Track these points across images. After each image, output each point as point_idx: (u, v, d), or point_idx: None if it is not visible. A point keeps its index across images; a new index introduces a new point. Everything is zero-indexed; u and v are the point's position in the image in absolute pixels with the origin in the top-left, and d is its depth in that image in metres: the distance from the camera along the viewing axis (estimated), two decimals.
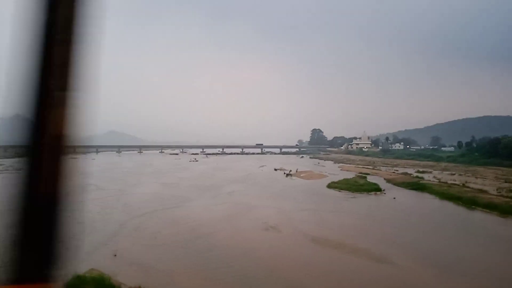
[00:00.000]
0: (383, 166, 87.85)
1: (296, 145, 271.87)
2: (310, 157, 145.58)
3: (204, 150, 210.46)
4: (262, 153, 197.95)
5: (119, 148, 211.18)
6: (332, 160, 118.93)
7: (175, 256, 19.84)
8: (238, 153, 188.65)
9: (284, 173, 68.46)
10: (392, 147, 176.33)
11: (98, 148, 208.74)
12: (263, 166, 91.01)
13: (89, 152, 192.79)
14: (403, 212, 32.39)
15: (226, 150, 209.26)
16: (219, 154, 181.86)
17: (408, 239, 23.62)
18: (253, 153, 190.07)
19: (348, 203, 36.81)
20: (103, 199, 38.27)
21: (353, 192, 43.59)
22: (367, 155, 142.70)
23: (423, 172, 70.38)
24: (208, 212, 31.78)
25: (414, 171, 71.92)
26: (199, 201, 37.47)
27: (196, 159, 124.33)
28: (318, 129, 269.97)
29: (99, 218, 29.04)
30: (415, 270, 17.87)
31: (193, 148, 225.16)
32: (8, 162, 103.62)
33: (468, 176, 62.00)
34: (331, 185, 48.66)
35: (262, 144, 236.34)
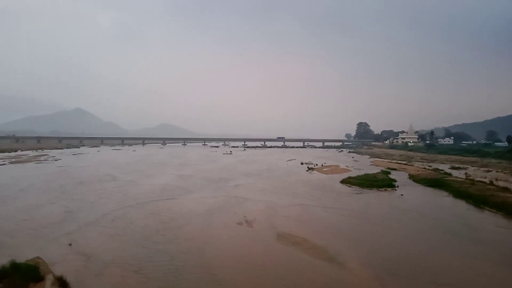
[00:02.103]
0: (419, 162, 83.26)
1: (345, 138, 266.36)
2: (349, 151, 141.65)
3: (245, 143, 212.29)
4: (303, 146, 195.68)
5: (164, 141, 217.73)
6: (369, 155, 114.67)
7: (128, 247, 19.67)
8: (278, 147, 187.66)
9: (308, 167, 66.87)
10: (439, 141, 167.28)
11: (144, 140, 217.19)
12: (292, 159, 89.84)
13: (135, 144, 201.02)
14: (399, 210, 30.18)
15: (268, 143, 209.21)
16: (259, 147, 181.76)
17: (380, 239, 21.81)
18: (293, 147, 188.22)
19: (348, 199, 34.99)
20: (108, 189, 39.24)
21: (363, 188, 41.50)
22: (410, 150, 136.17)
23: (457, 168, 65.88)
24: (198, 205, 31.51)
25: (448, 167, 67.47)
26: (199, 194, 37.38)
27: (231, 152, 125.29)
28: (365, 122, 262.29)
29: (87, 208, 29.73)
30: (359, 272, 16.40)
31: (235, 141, 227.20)
32: (53, 152, 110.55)
33: (506, 173, 57.04)
34: (345, 180, 46.72)
35: (283, 138, 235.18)
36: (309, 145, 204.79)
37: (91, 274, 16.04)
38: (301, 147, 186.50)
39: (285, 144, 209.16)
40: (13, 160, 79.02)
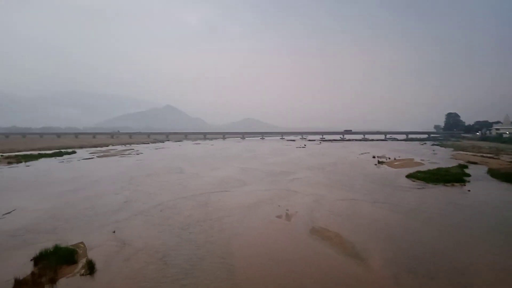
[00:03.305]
0: (509, 155, 75.11)
1: (434, 130, 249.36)
2: (432, 144, 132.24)
3: (323, 136, 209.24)
4: (384, 139, 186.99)
5: (242, 135, 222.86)
6: (453, 148, 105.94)
7: (163, 236, 20.73)
8: (357, 140, 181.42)
9: (378, 161, 64.07)
10: None
11: (225, 135, 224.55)
12: (365, 153, 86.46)
13: (216, 138, 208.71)
14: (455, 206, 27.55)
15: (346, 137, 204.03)
16: (336, 140, 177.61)
17: (416, 237, 20.18)
18: (372, 140, 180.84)
19: (405, 194, 32.83)
20: (171, 181, 41.53)
21: (428, 182, 38.78)
22: (503, 142, 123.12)
23: None
24: (246, 197, 31.96)
25: None
26: (253, 186, 37.86)
27: (305, 145, 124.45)
28: (454, 113, 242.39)
29: (144, 198, 31.82)
30: (377, 269, 15.49)
31: (314, 135, 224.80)
32: (139, 146, 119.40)
33: None
34: (411, 175, 43.88)
35: (350, 130, 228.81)
36: (391, 138, 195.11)
37: (120, 259, 17.26)
38: (382, 140, 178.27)
39: (365, 137, 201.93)
40: (101, 154, 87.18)
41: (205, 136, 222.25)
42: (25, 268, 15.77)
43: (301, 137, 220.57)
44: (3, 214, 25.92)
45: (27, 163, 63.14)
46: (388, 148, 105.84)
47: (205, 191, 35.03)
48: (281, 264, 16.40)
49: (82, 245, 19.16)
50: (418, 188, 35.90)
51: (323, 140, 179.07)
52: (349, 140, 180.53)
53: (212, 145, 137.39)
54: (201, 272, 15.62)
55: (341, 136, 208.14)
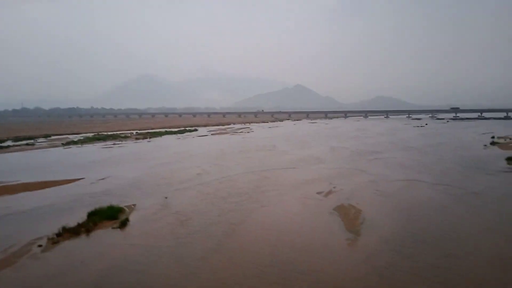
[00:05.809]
0: None
1: None
2: None
3: (457, 115, 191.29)
4: None
5: (366, 114, 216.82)
6: None
7: (201, 204, 23.00)
8: (500, 118, 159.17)
9: (490, 142, 56.54)
10: None
11: (346, 114, 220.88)
12: (487, 133, 76.21)
13: (337, 117, 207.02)
14: None
15: (484, 115, 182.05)
16: (471, 119, 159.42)
17: (440, 220, 18.77)
18: None
19: (484, 178, 28.96)
20: (254, 157, 44.31)
21: None
22: None
23: None
24: (308, 174, 32.45)
25: None
26: (324, 165, 37.95)
27: (426, 124, 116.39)
28: None
29: (217, 172, 34.77)
30: (361, 247, 15.50)
31: (445, 113, 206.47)
32: (256, 125, 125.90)
33: None
34: None
35: (458, 108, 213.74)
36: None
37: (151, 219, 20.33)
38: None
39: (509, 115, 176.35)
40: (217, 132, 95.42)
41: (326, 115, 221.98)
42: (81, 221, 19.76)
43: (430, 115, 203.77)
44: (98, 180, 31.79)
45: (150, 140, 73.16)
46: None
47: (275, 167, 36.64)
48: (272, 234, 17.45)
49: (133, 206, 22.87)
50: (506, 172, 31.92)
51: (456, 119, 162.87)
52: (486, 118, 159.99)
53: (326, 124, 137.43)
54: (203, 234, 17.64)
55: (479, 114, 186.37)
